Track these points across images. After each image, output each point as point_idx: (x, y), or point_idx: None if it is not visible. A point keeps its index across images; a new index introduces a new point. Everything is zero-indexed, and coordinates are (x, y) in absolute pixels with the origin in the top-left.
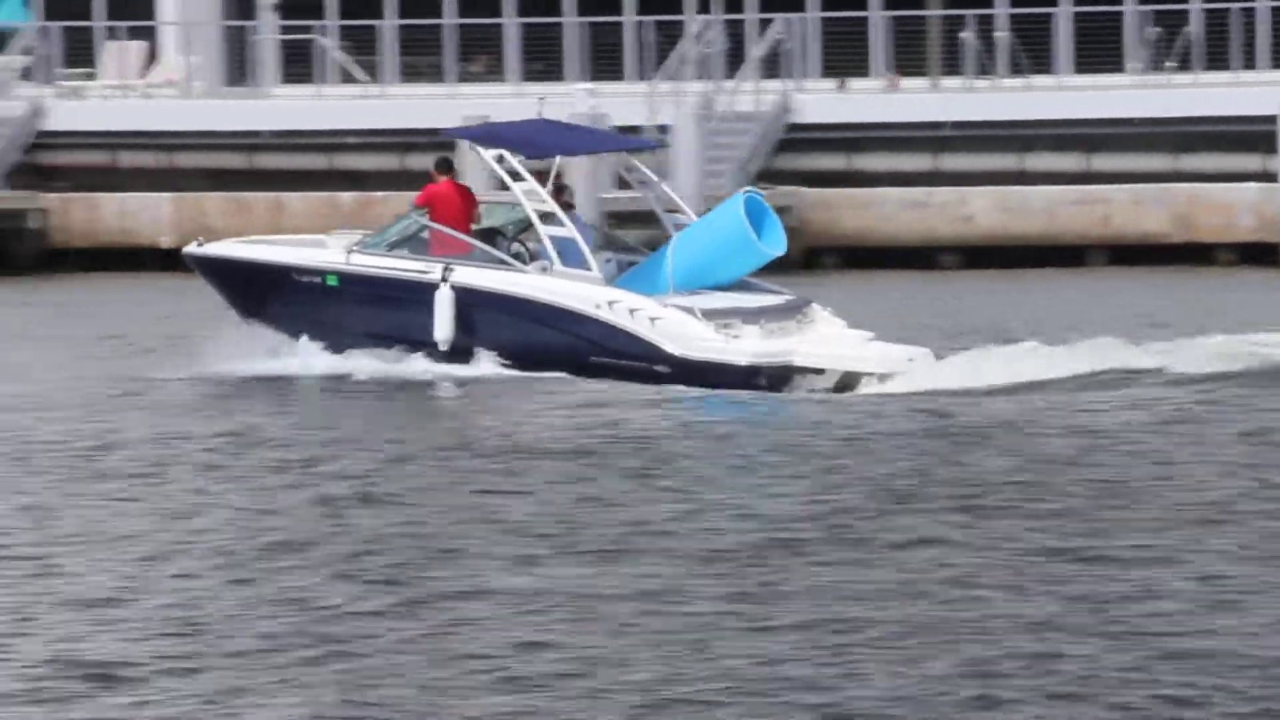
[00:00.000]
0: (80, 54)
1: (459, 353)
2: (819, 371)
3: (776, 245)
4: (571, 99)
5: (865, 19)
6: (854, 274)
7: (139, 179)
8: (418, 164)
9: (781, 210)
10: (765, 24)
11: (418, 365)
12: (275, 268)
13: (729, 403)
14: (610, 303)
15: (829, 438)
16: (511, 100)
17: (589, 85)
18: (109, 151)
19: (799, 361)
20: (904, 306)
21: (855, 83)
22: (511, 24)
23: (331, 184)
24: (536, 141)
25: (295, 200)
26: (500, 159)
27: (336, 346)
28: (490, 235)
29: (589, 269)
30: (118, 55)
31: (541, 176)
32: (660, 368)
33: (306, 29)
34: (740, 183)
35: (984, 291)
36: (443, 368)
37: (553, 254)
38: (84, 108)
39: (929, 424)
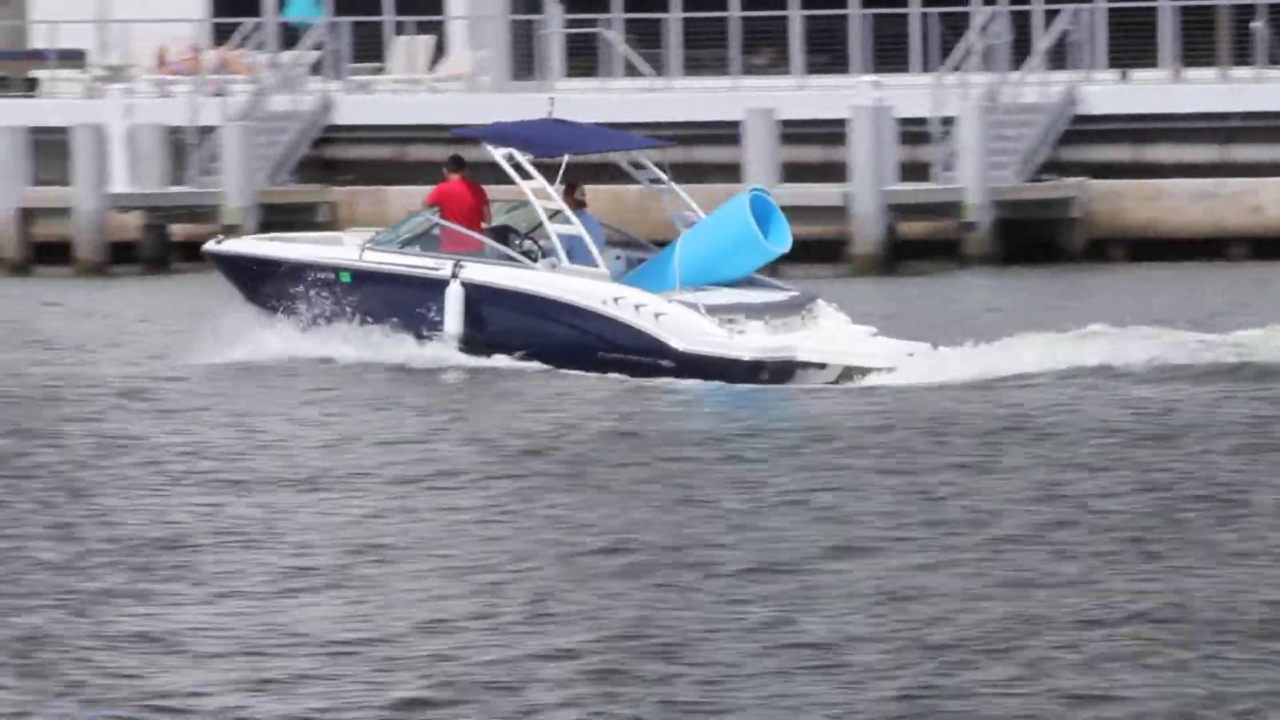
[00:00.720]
0: (369, 49)
1: (471, 347)
2: (821, 366)
3: (782, 242)
4: (856, 91)
5: (1154, 9)
6: (1140, 265)
7: (426, 172)
8: (702, 157)
9: (1065, 202)
10: (1051, 15)
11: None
12: (291, 264)
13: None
14: (616, 299)
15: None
16: (795, 93)
17: (873, 78)
18: (396, 145)
19: (801, 356)
20: (1192, 297)
21: (1141, 73)
22: (796, 16)
23: (600, 178)
24: (545, 140)
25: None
26: (510, 158)
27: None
28: (503, 233)
29: (596, 266)
30: (406, 50)
31: (551, 175)
32: (665, 362)
33: (592, 23)
34: (1025, 175)
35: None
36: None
37: (561, 251)
38: (372, 102)
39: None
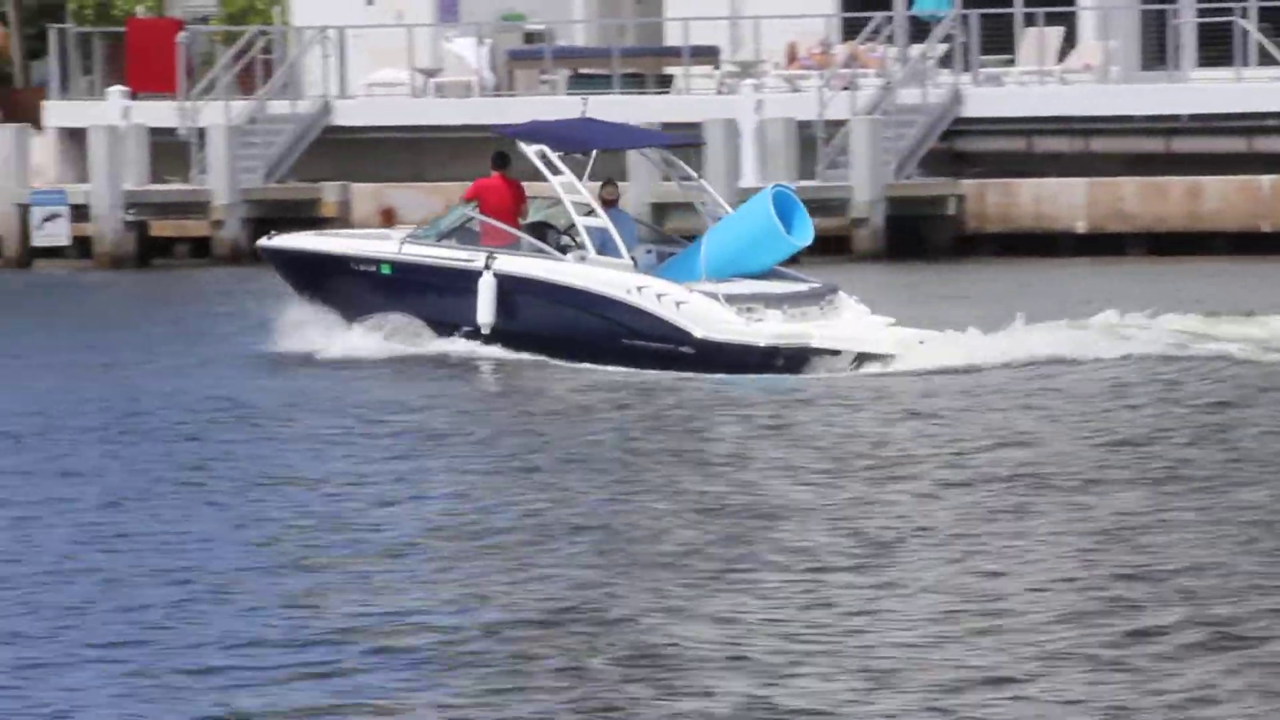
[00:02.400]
0: (999, 41)
1: (502, 335)
2: (835, 353)
3: (804, 236)
4: None
5: None
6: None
7: (1053, 164)
8: None
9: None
10: None
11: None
12: (335, 258)
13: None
14: (640, 288)
15: None
16: None
17: None
18: (1024, 137)
19: (816, 343)
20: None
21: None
22: None
23: (1250, 167)
24: (574, 137)
25: (1212, 184)
26: (541, 154)
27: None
28: (540, 228)
29: (621, 257)
30: (1036, 41)
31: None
32: (686, 349)
33: (1226, 11)
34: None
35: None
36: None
37: (588, 243)
38: (1001, 94)
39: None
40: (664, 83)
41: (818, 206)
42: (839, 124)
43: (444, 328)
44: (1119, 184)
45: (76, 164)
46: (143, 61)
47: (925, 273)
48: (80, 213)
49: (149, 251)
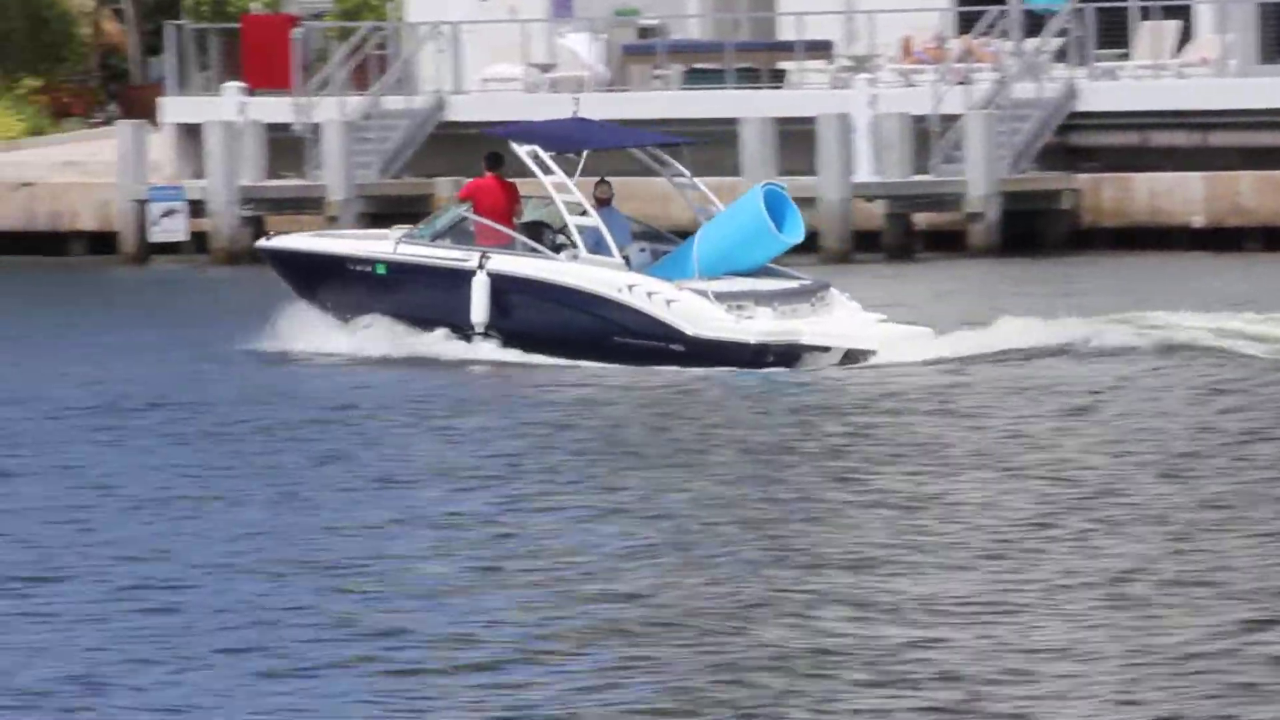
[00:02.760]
0: (1114, 34)
1: (496, 334)
2: (825, 349)
3: (795, 234)
4: None
5: None
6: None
7: (1169, 158)
8: None
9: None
10: None
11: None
12: (332, 258)
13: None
14: (630, 286)
15: None
16: None
17: None
18: (1139, 131)
19: (805, 340)
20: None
21: None
22: None
23: None
24: (565, 137)
25: None
26: (533, 154)
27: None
28: (537, 228)
29: (613, 256)
30: (1152, 35)
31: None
32: (676, 346)
33: None
34: None
35: None
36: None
37: (579, 242)
38: (1116, 88)
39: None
40: (777, 77)
41: (932, 201)
42: (953, 119)
43: (438, 327)
44: (1236, 178)
45: (193, 160)
46: (259, 58)
47: (1039, 268)
48: (197, 208)
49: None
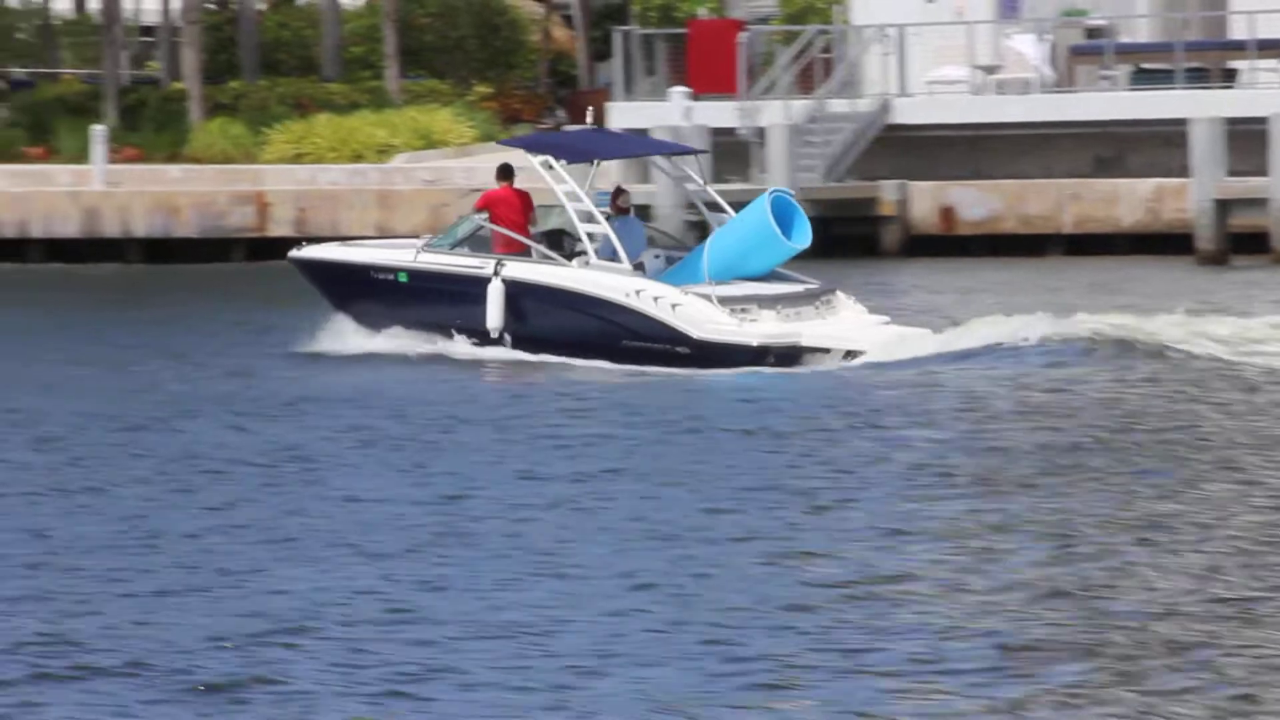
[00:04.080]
0: None
1: (511, 339)
2: (825, 351)
3: (802, 239)
4: None
5: None
6: None
7: None
8: None
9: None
10: None
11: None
12: (357, 267)
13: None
14: (638, 291)
15: None
16: None
17: None
18: None
19: (806, 342)
20: None
21: None
22: None
23: None
24: (576, 147)
25: None
26: (546, 164)
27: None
28: (557, 236)
29: (622, 262)
30: None
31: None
32: (682, 349)
33: None
34: None
35: None
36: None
37: (590, 249)
38: None
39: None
40: (1228, 77)
41: None
42: None
43: (457, 332)
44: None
45: (638, 165)
46: (704, 62)
47: None
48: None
49: None
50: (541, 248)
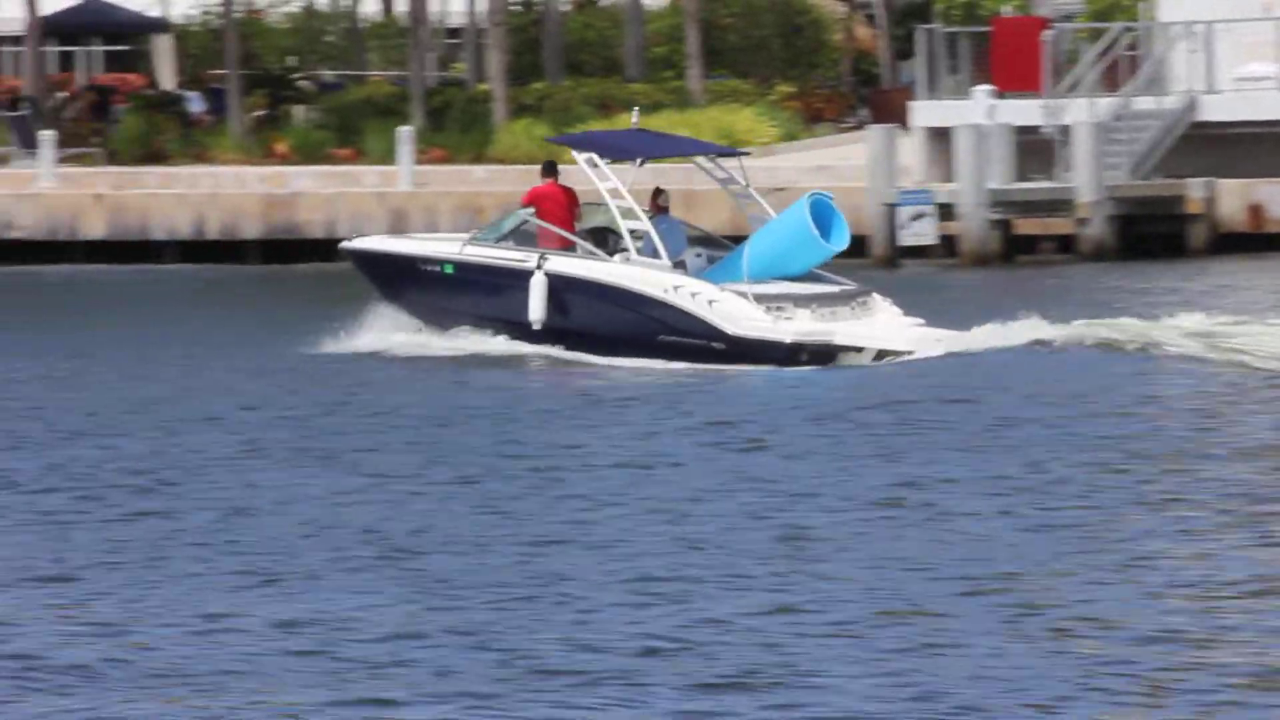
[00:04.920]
0: None
1: (551, 332)
2: (858, 349)
3: (840, 241)
4: None
5: None
6: None
7: None
8: None
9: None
10: None
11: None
12: (406, 258)
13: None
14: (676, 287)
15: None
16: None
17: None
18: None
19: (839, 340)
20: None
21: None
22: None
23: None
24: (620, 146)
25: None
26: (590, 161)
27: (453, 327)
28: (602, 233)
29: (662, 259)
30: None
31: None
32: (717, 345)
33: None
34: None
35: None
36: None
37: (630, 245)
38: None
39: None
40: None
41: None
42: None
43: (500, 324)
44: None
45: (941, 163)
46: (1008, 60)
47: None
48: (945, 212)
49: (1013, 249)
50: (586, 243)
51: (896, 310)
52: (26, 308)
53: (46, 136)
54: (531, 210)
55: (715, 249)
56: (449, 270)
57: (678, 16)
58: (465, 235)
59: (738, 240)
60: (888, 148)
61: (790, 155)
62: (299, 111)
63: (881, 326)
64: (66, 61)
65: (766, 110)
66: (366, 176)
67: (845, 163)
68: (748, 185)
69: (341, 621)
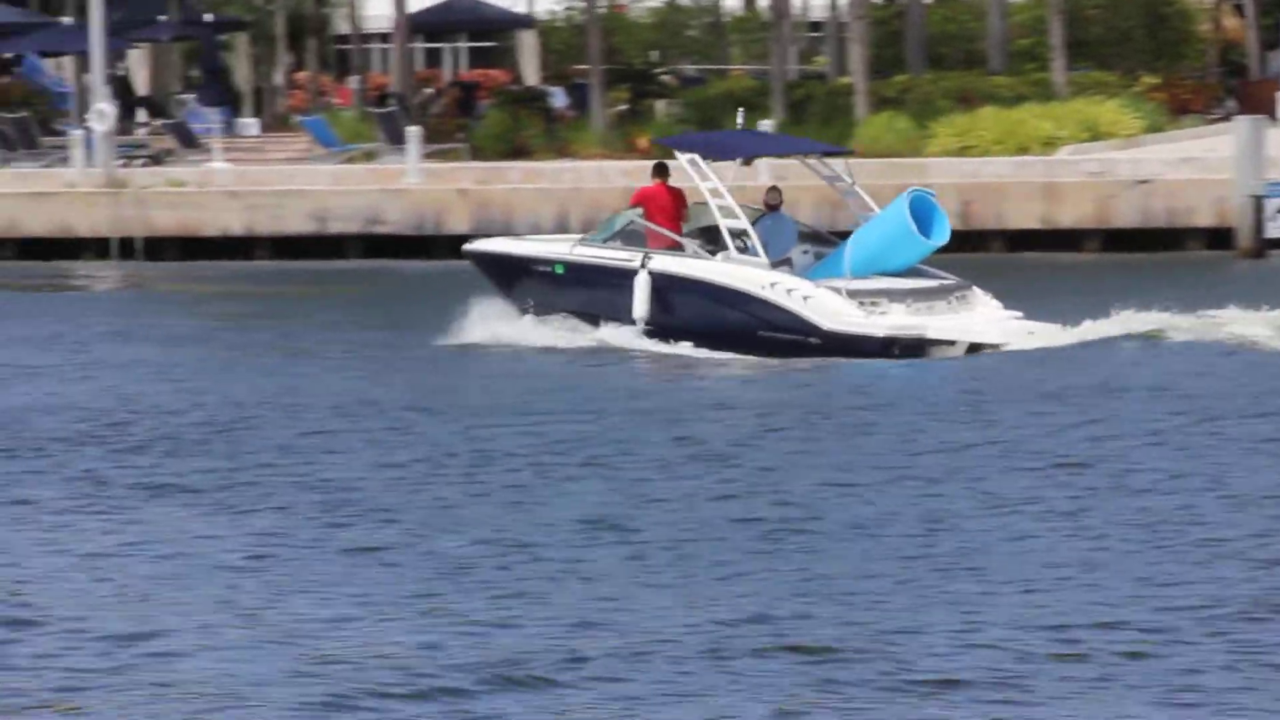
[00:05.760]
0: None
1: (656, 329)
2: (950, 343)
3: (940, 237)
4: None
5: None
6: None
7: None
8: None
9: None
10: None
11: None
12: (521, 258)
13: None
14: (773, 284)
15: None
16: None
17: None
18: None
19: (931, 334)
20: None
21: None
22: None
23: None
24: (724, 146)
25: None
26: (692, 161)
27: (565, 324)
28: (711, 232)
29: (759, 256)
30: None
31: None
32: (814, 340)
33: None
34: None
35: None
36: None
37: (730, 242)
38: None
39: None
40: None
41: None
42: None
43: (607, 321)
44: None
45: None
46: None
47: None
48: None
49: None
50: (693, 243)
51: (996, 304)
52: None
53: (413, 132)
54: (639, 211)
55: (824, 246)
56: (559, 270)
57: (1041, 9)
58: (577, 236)
59: (846, 237)
60: (1255, 139)
61: (1155, 147)
62: (660, 106)
63: (973, 319)
64: (433, 58)
65: (1131, 102)
66: (726, 171)
67: (1211, 154)
68: (853, 183)
69: None
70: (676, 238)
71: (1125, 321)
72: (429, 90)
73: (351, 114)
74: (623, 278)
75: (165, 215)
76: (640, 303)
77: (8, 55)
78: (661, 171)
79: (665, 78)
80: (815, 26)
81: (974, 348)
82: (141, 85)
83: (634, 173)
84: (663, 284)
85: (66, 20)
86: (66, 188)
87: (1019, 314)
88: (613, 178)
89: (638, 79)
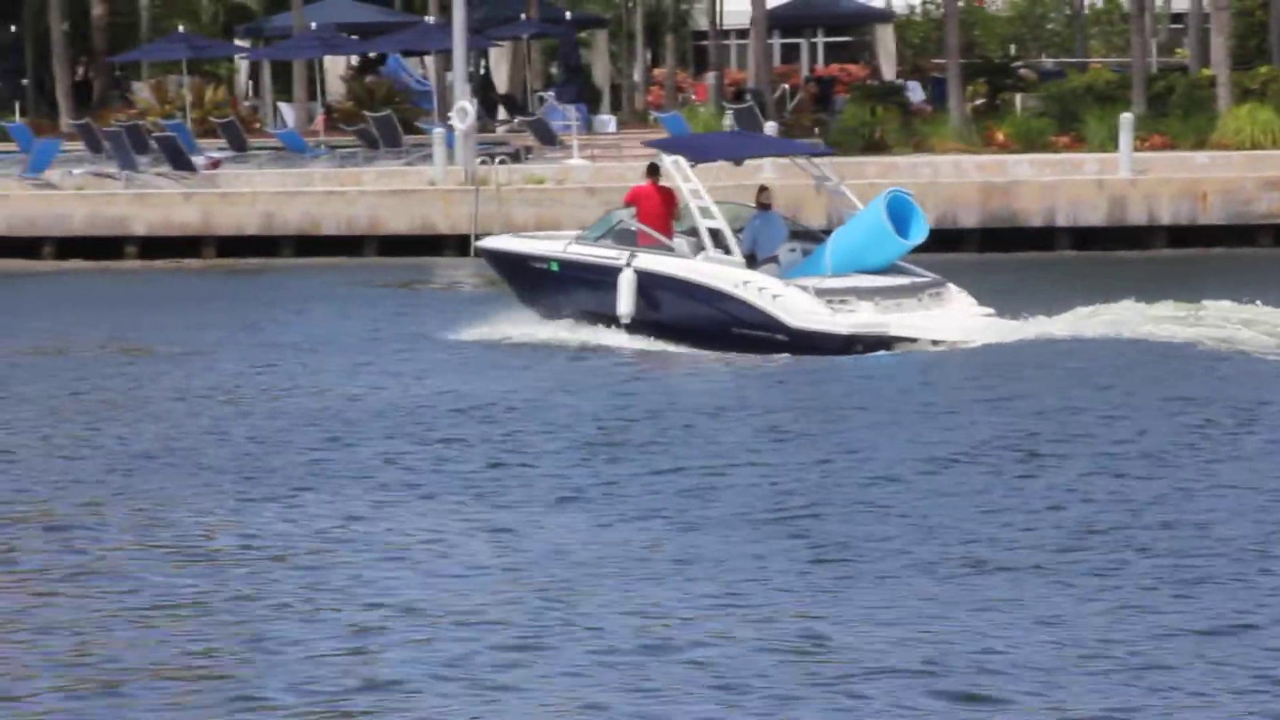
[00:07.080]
0: None
1: (640, 325)
2: (912, 340)
3: (917, 236)
4: None
5: None
6: None
7: None
8: None
9: None
10: None
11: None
12: (520, 256)
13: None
14: (745, 282)
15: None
16: None
17: None
18: None
19: (893, 332)
20: None
21: None
22: None
23: None
24: (709, 147)
25: None
26: (677, 164)
27: (561, 319)
28: (709, 231)
29: (734, 254)
30: None
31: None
32: (781, 337)
33: None
34: None
35: None
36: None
37: (707, 241)
38: None
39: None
40: None
41: None
42: None
43: (596, 318)
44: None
45: None
46: None
47: None
48: None
49: None
50: (681, 242)
51: (970, 300)
52: None
53: (770, 128)
54: (631, 210)
55: (812, 243)
56: (554, 268)
57: None
58: (573, 234)
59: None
60: None
61: None
62: (1018, 99)
63: (944, 317)
64: (790, 54)
65: None
66: (1086, 164)
67: None
68: (840, 182)
69: None
70: (662, 238)
71: (1093, 319)
72: (785, 86)
73: (708, 110)
74: (609, 275)
75: (524, 212)
76: (625, 300)
77: (371, 55)
78: (653, 171)
79: (1023, 71)
80: (1177, 18)
81: (937, 344)
82: (502, 83)
83: (990, 167)
84: (646, 282)
85: (429, 20)
86: (428, 185)
87: (991, 310)
88: (969, 172)
89: (995, 73)
